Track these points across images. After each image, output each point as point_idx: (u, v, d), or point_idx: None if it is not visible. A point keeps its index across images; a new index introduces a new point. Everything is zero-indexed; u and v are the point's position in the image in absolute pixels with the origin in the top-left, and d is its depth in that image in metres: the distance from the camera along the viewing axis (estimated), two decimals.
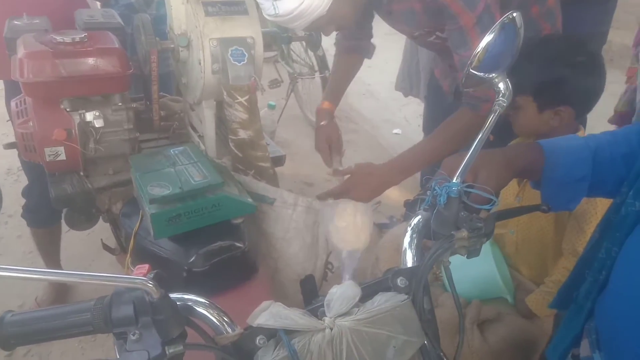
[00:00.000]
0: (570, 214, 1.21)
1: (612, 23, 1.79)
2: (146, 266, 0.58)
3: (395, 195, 2.37)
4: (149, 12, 2.22)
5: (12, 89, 1.55)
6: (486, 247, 1.22)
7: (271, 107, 2.82)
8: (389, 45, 3.09)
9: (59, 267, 2.03)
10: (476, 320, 1.24)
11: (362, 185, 1.26)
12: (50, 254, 2.00)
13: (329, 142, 1.50)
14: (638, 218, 0.70)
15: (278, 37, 1.76)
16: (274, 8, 1.08)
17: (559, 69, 1.15)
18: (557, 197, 0.81)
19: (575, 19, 1.74)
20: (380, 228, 2.45)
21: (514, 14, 0.72)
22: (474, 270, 1.25)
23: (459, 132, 1.24)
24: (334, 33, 1.56)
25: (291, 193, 1.34)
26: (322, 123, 1.53)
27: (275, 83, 3.22)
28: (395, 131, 3.61)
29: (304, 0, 1.04)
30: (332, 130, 1.52)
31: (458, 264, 0.72)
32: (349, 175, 1.32)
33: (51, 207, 1.34)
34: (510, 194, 1.33)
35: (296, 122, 3.58)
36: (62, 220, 1.48)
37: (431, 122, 1.98)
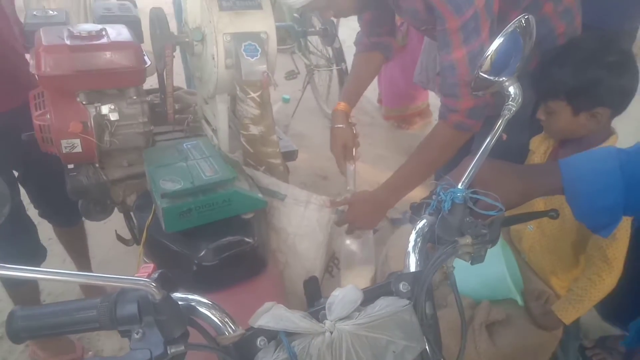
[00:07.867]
0: None
1: None
2: (151, 266, 0.59)
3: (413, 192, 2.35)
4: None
5: None
6: (496, 247, 1.21)
7: (285, 100, 2.81)
8: None
9: (89, 264, 2.02)
10: (485, 321, 1.23)
11: (361, 214, 1.30)
12: (78, 253, 1.99)
13: (344, 146, 1.48)
14: None
15: (293, 31, 1.75)
16: None
17: (592, 70, 1.11)
18: (589, 222, 0.74)
19: (603, 13, 1.67)
20: (393, 224, 2.44)
21: (527, 17, 0.71)
22: (483, 270, 1.22)
23: (439, 147, 1.25)
24: (354, 30, 1.53)
25: (303, 190, 1.35)
26: (337, 125, 1.49)
27: (291, 74, 3.21)
28: None
29: None
30: (347, 133, 1.48)
31: (466, 263, 0.71)
32: (349, 206, 1.33)
33: (70, 208, 1.33)
34: None
35: (312, 114, 3.56)
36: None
37: None
